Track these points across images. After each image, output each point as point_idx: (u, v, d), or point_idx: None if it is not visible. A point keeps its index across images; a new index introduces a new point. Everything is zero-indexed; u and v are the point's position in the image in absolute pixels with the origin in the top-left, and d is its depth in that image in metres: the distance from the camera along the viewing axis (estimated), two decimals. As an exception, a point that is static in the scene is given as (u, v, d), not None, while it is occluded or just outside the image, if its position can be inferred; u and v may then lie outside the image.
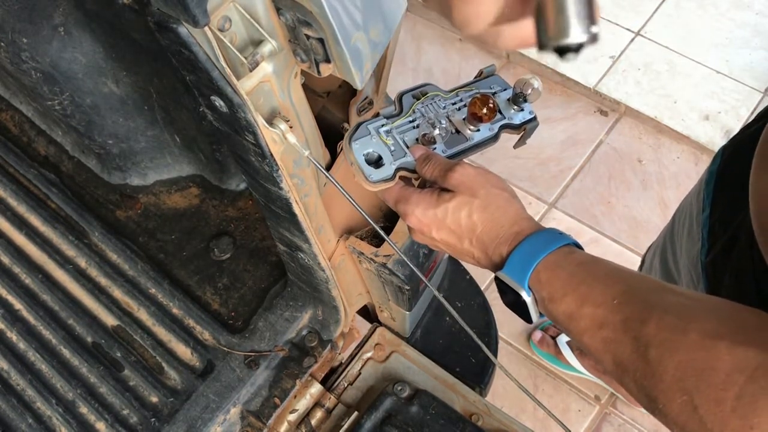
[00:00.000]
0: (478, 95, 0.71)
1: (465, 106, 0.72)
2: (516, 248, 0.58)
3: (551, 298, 0.55)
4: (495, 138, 0.72)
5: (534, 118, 0.73)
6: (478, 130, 0.72)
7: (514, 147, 0.77)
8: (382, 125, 0.70)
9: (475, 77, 0.76)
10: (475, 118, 0.70)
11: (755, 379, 0.40)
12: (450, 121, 0.72)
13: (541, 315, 0.59)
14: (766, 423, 0.40)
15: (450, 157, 0.70)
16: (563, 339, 1.64)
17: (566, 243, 0.57)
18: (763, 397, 0.40)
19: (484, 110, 0.70)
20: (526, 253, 0.57)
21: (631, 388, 0.49)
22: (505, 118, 0.73)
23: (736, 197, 0.75)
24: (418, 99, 0.73)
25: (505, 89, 0.74)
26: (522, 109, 0.73)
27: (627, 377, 0.49)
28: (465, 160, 0.70)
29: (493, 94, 0.73)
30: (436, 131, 0.70)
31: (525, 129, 0.73)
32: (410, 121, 0.71)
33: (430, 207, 0.63)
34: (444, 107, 0.73)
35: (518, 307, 0.59)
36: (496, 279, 0.59)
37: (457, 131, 0.72)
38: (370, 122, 0.70)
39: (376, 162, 0.68)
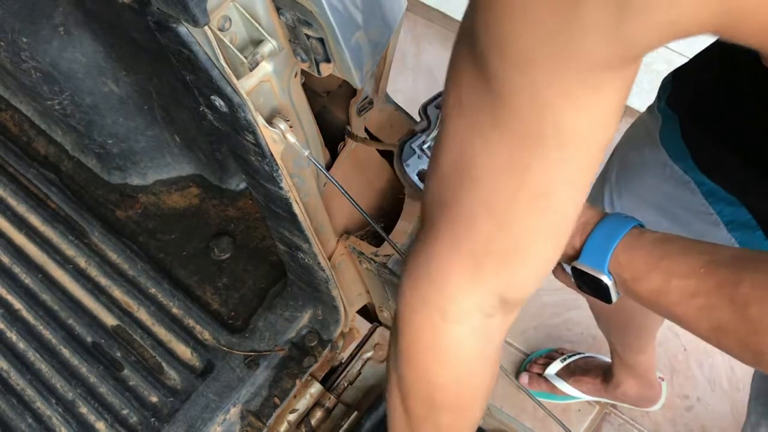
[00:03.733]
0: None
1: None
2: (589, 237, 0.60)
3: (635, 277, 0.57)
4: None
5: None
6: None
7: None
8: (423, 141, 0.72)
9: None
10: None
11: None
12: None
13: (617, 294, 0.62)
14: None
15: None
16: (552, 371, 1.60)
17: (635, 224, 0.59)
18: None
19: None
20: (600, 241, 0.59)
21: (733, 348, 0.51)
22: None
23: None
24: (440, 108, 0.74)
25: None
26: None
27: (727, 339, 0.51)
28: None
29: None
30: None
31: None
32: None
33: None
34: None
35: (599, 291, 0.61)
36: (573, 269, 0.62)
37: None
38: (411, 141, 0.72)
39: None
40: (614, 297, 0.61)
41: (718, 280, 0.51)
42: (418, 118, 0.77)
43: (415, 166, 0.71)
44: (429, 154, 0.71)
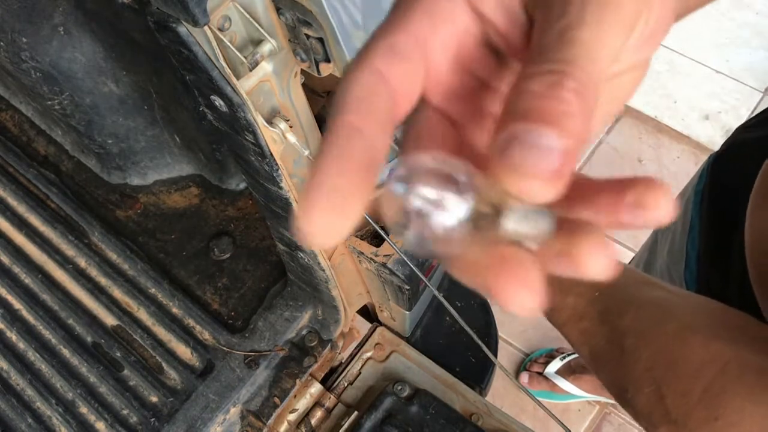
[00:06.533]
0: None
1: None
2: None
3: None
4: None
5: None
6: None
7: None
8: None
9: None
10: None
11: (726, 372, 0.39)
12: None
13: None
14: (730, 415, 0.38)
15: None
16: (552, 369, 1.60)
17: None
18: (731, 389, 0.39)
19: None
20: None
21: (605, 380, 0.48)
22: None
23: (726, 218, 0.73)
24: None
25: None
26: None
27: (601, 368, 0.48)
28: None
29: None
30: None
31: None
32: None
33: None
34: None
35: None
36: None
37: None
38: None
39: None
40: None
41: (606, 307, 0.49)
42: None
43: None
44: None
